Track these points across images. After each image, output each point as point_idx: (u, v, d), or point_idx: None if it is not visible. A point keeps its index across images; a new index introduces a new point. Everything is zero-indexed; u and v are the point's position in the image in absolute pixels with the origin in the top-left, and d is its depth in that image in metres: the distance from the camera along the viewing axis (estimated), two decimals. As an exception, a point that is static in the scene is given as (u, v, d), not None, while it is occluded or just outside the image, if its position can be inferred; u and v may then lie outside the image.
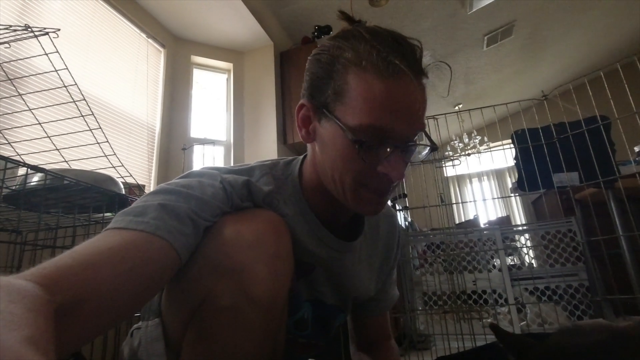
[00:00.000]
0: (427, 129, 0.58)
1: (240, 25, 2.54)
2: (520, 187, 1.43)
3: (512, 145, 1.57)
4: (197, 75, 2.73)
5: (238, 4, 2.32)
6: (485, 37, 3.63)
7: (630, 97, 1.28)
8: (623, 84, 1.33)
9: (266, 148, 2.58)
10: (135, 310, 0.42)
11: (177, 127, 2.46)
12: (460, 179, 6.11)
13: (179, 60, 2.60)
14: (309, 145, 0.61)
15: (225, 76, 2.84)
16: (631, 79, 1.42)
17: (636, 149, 2.62)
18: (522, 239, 2.06)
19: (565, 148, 1.30)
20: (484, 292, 1.91)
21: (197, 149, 2.41)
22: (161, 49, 2.49)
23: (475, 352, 0.77)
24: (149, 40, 2.38)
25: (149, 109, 2.29)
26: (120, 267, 0.38)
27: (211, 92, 2.82)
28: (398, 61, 0.47)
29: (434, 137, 1.59)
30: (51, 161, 1.24)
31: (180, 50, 2.62)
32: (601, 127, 1.27)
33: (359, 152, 0.49)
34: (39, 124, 0.98)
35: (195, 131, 2.56)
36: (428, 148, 0.56)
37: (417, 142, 0.53)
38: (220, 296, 0.48)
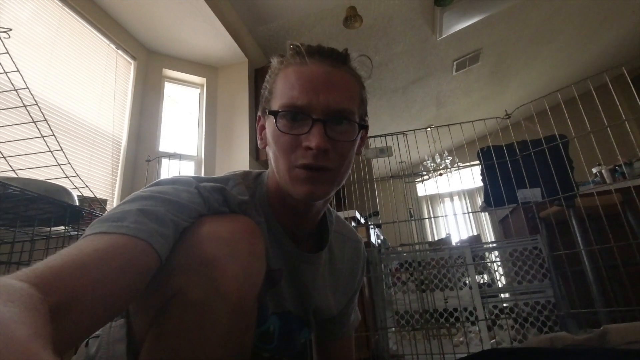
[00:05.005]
0: (360, 114, 0.60)
1: (215, 41, 2.54)
2: (486, 202, 1.46)
3: (479, 164, 1.61)
4: (169, 89, 2.68)
5: (213, 20, 2.32)
6: (455, 63, 3.80)
7: (586, 120, 1.36)
8: (579, 109, 1.41)
9: (238, 164, 2.54)
10: (121, 309, 0.43)
11: (146, 141, 2.38)
12: (432, 199, 6.24)
13: (150, 73, 2.55)
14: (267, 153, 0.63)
15: (198, 91, 2.81)
16: (588, 103, 1.51)
17: (594, 170, 2.76)
18: (492, 257, 2.09)
19: (527, 165, 1.35)
20: (455, 310, 1.91)
21: (167, 163, 2.33)
22: (131, 61, 2.44)
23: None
24: (119, 51, 2.32)
25: (115, 121, 2.21)
26: (108, 268, 0.39)
27: (183, 106, 2.77)
28: (311, 53, 0.56)
29: (403, 154, 1.61)
30: (-2, 170, 1.15)
31: (151, 63, 2.58)
32: (560, 144, 1.32)
33: (276, 124, 0.55)
34: (-15, 129, 0.91)
35: (165, 145, 2.49)
36: (357, 127, 0.58)
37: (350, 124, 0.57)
38: (190, 290, 0.47)
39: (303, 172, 0.54)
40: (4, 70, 0.82)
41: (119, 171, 2.19)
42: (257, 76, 2.84)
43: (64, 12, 1.95)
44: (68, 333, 0.34)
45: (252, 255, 0.51)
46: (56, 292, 0.33)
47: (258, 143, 0.65)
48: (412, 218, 1.55)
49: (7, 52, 0.81)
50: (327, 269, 0.72)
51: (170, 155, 2.32)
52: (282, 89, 0.56)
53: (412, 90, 4.22)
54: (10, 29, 0.81)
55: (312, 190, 0.54)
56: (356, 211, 2.31)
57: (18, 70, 0.85)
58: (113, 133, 2.17)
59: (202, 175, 2.52)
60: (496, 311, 1.89)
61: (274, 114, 0.55)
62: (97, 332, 0.58)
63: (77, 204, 1.03)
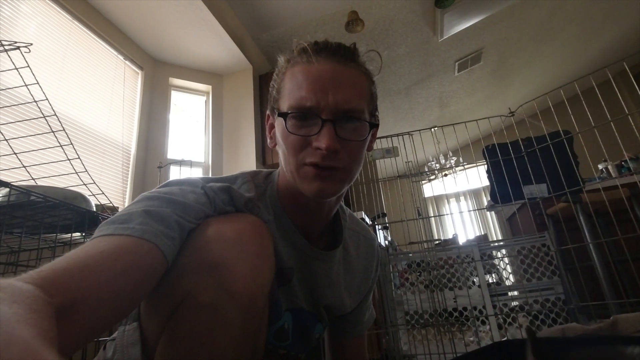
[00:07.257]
0: (369, 112, 0.59)
1: (220, 49, 2.58)
2: (493, 199, 1.47)
3: (484, 162, 1.62)
4: (176, 97, 2.72)
5: (218, 28, 2.36)
6: (456, 63, 3.82)
7: (590, 116, 1.37)
8: (583, 105, 1.42)
9: (245, 169, 2.56)
10: (128, 311, 0.42)
11: (154, 149, 2.42)
12: (438, 199, 6.23)
13: (157, 82, 2.60)
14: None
15: (204, 98, 2.85)
16: (591, 100, 1.52)
17: (600, 166, 2.76)
18: (499, 255, 2.09)
19: (533, 161, 1.36)
20: (465, 309, 1.91)
21: (175, 170, 2.37)
22: (139, 71, 2.48)
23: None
24: (126, 62, 2.37)
25: (124, 130, 2.25)
26: (113, 269, 0.39)
27: (189, 113, 2.81)
28: (318, 51, 0.55)
29: (409, 154, 1.63)
30: (17, 180, 1.19)
31: (158, 72, 2.63)
32: (564, 140, 1.34)
33: (286, 125, 0.54)
34: (5, 140, 0.95)
35: (173, 152, 2.53)
36: (367, 125, 0.56)
37: (359, 123, 0.56)
38: (200, 293, 0.47)
39: (312, 170, 0.54)
40: (24, 83, 0.85)
41: (129, 179, 2.23)
42: (262, 82, 2.88)
43: (73, 25, 2.00)
44: (74, 334, 0.34)
45: (260, 255, 0.51)
46: (61, 294, 0.33)
47: (268, 142, 0.65)
48: (420, 216, 1.56)
49: (28, 66, 0.84)
50: (342, 266, 0.71)
51: (181, 162, 2.36)
52: (290, 89, 0.55)
53: (415, 92, 4.24)
54: (31, 44, 0.85)
55: (322, 188, 0.54)
56: (363, 213, 2.33)
57: (38, 83, 0.89)
58: (122, 142, 2.21)
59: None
60: (506, 309, 1.89)
61: (283, 115, 0.55)
62: (114, 335, 0.59)
63: (95, 210, 1.06)
